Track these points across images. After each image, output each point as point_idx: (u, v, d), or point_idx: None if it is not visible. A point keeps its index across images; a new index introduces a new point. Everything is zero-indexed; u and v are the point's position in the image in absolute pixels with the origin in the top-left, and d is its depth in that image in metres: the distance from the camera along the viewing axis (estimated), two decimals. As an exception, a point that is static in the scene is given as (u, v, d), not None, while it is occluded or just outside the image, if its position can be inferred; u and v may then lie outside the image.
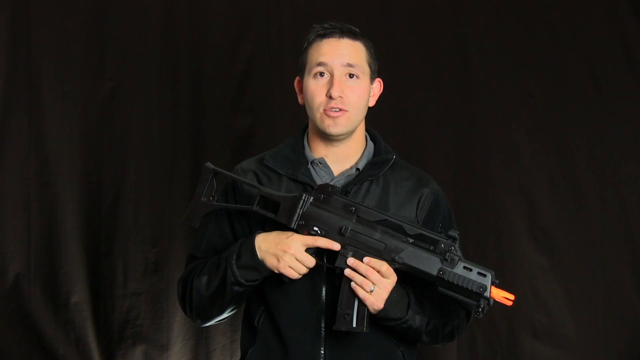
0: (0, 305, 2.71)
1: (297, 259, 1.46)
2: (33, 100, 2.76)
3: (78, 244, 2.79)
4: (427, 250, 1.42)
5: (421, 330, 1.53)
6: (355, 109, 1.57)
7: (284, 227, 1.51)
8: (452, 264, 1.38)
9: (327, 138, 1.60)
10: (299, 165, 1.60)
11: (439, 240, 1.42)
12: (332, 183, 1.59)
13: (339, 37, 1.58)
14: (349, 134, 1.60)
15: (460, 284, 1.37)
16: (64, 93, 2.79)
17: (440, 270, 1.38)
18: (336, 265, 1.47)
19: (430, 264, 1.40)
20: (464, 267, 1.37)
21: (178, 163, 2.89)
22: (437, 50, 2.94)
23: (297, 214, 1.49)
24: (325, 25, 1.60)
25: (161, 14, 2.89)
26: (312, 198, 1.49)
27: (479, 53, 2.92)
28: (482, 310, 1.36)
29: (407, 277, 1.50)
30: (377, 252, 1.44)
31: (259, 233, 1.53)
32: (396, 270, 1.45)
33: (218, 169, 1.59)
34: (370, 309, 1.46)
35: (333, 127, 1.56)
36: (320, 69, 1.57)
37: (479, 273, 1.36)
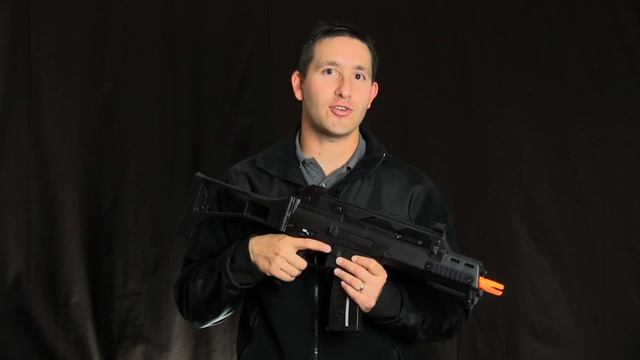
0: (0, 305, 2.71)
1: (288, 262, 1.47)
2: (33, 100, 2.76)
3: (78, 244, 2.79)
4: (415, 244, 1.42)
5: (417, 329, 1.53)
6: (359, 110, 1.58)
7: (275, 231, 1.51)
8: (440, 256, 1.38)
9: (323, 135, 1.60)
10: (290, 166, 1.60)
11: (425, 234, 1.43)
12: (323, 182, 1.59)
13: (350, 37, 1.59)
14: (351, 132, 1.60)
15: (448, 276, 1.37)
16: (64, 93, 2.79)
17: (427, 263, 1.39)
18: (326, 265, 1.48)
19: (417, 258, 1.40)
20: (452, 260, 1.38)
21: (178, 163, 2.89)
22: (437, 50, 2.94)
23: (285, 217, 1.50)
24: (335, 23, 1.60)
25: (161, 14, 2.89)
26: (299, 200, 1.50)
27: (479, 53, 2.92)
28: (472, 301, 1.36)
29: (401, 276, 1.51)
30: (366, 250, 1.45)
31: (253, 236, 1.53)
32: (387, 268, 1.45)
33: (209, 178, 1.60)
34: (362, 307, 1.46)
35: (338, 126, 1.56)
36: (329, 67, 1.57)
37: (466, 264, 1.37)
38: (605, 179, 2.84)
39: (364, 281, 1.44)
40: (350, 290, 1.44)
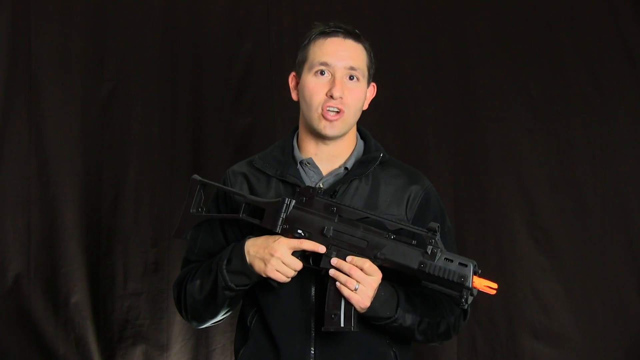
0: (0, 305, 2.71)
1: (283, 263, 1.47)
2: (33, 100, 2.76)
3: (78, 244, 2.79)
4: (408, 244, 1.42)
5: (413, 329, 1.53)
6: (352, 111, 1.58)
7: (271, 232, 1.51)
8: (433, 256, 1.38)
9: (318, 137, 1.60)
10: (288, 166, 1.60)
11: (420, 234, 1.42)
12: (321, 183, 1.59)
13: (343, 38, 1.58)
14: (344, 134, 1.60)
15: (441, 276, 1.37)
16: (64, 93, 2.80)
17: (421, 263, 1.39)
18: (321, 266, 1.48)
19: (411, 258, 1.40)
20: (445, 259, 1.38)
21: (178, 163, 2.89)
22: (437, 50, 2.94)
23: (280, 219, 1.50)
24: (330, 24, 1.60)
25: (161, 14, 2.89)
26: (294, 201, 1.50)
27: (479, 53, 2.92)
28: (466, 300, 1.36)
29: (397, 276, 1.51)
30: (360, 250, 1.45)
31: (249, 238, 1.53)
32: (383, 268, 1.45)
33: (205, 180, 1.60)
34: (357, 307, 1.46)
35: (329, 128, 1.56)
36: (322, 68, 1.56)
37: (460, 264, 1.37)
38: (605, 179, 2.84)
39: (359, 281, 1.44)
40: (345, 291, 1.44)
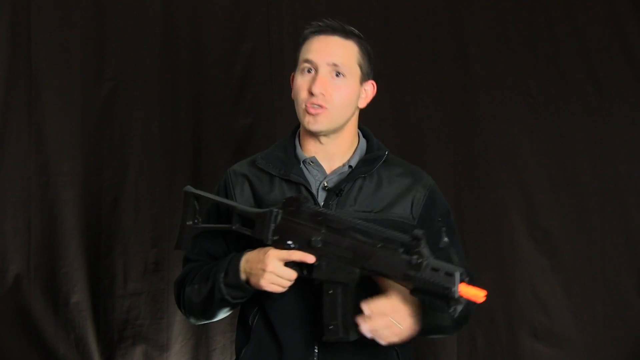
0: (0, 305, 2.71)
1: (277, 275, 1.46)
2: (33, 100, 2.76)
3: (78, 244, 2.79)
4: (395, 253, 1.38)
5: (448, 324, 1.53)
6: (337, 108, 1.56)
7: (263, 242, 1.51)
8: (419, 266, 1.34)
9: (315, 136, 1.60)
10: (291, 165, 1.60)
11: (405, 242, 1.38)
12: (325, 181, 1.59)
13: (330, 35, 1.58)
14: (333, 131, 1.59)
15: (427, 288, 1.33)
16: (64, 93, 2.79)
17: (406, 275, 1.35)
18: (314, 277, 1.46)
19: (397, 269, 1.36)
20: (432, 269, 1.33)
21: (178, 163, 2.89)
22: (437, 50, 2.94)
23: (269, 230, 1.49)
24: (320, 23, 1.60)
25: (161, 14, 2.89)
26: (281, 212, 1.49)
27: (479, 53, 2.92)
28: (455, 309, 1.34)
29: None
30: (347, 261, 1.42)
31: (246, 252, 1.53)
32: (367, 277, 1.44)
33: (197, 192, 1.60)
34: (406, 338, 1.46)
35: (313, 124, 1.56)
36: (307, 65, 1.57)
37: (446, 273, 1.32)
38: (605, 179, 2.84)
39: (387, 327, 1.43)
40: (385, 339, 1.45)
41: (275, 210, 1.49)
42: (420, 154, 2.88)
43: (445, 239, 1.60)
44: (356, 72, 1.59)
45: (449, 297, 1.30)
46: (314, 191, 1.58)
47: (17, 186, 2.73)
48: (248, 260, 1.51)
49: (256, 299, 1.59)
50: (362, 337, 1.51)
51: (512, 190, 2.88)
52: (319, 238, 1.45)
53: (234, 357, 1.68)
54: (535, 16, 2.90)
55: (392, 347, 1.58)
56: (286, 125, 2.81)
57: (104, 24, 2.84)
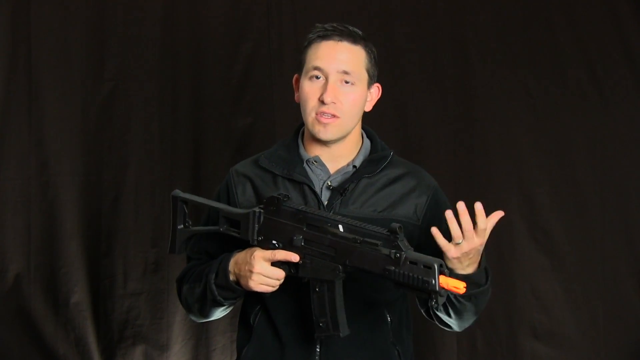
0: (0, 305, 2.71)
1: (265, 276, 1.46)
2: (33, 100, 2.76)
3: (78, 244, 2.79)
4: (375, 248, 1.37)
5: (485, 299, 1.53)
6: (347, 116, 1.56)
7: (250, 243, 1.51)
8: (397, 261, 1.33)
9: (319, 140, 1.59)
10: (295, 165, 1.60)
11: (383, 237, 1.37)
12: (329, 181, 1.59)
13: (338, 40, 1.55)
14: (342, 138, 1.59)
15: (406, 281, 1.33)
16: (64, 93, 2.79)
17: (386, 270, 1.34)
18: (300, 275, 1.46)
19: (377, 264, 1.36)
20: (410, 262, 1.33)
21: (178, 163, 2.89)
22: (437, 50, 2.94)
23: (254, 231, 1.49)
24: (327, 26, 1.57)
25: (161, 14, 2.89)
26: (262, 212, 1.49)
27: (479, 53, 2.92)
28: (436, 301, 1.33)
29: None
30: (330, 258, 1.42)
31: (236, 253, 1.53)
32: (349, 274, 1.43)
33: (184, 196, 1.61)
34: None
35: (324, 133, 1.55)
36: (315, 72, 1.55)
37: (424, 266, 1.31)
38: (605, 179, 2.84)
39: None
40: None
41: (257, 210, 1.49)
42: (420, 154, 2.88)
43: None
44: (364, 78, 1.58)
45: (429, 290, 1.30)
46: (318, 190, 1.58)
47: (17, 186, 2.73)
48: (237, 262, 1.51)
49: (258, 298, 1.59)
50: (364, 334, 1.51)
51: (512, 190, 2.88)
52: (301, 236, 1.45)
53: (234, 357, 1.68)
54: (535, 16, 2.90)
55: (393, 346, 1.59)
56: (286, 125, 2.81)
57: (104, 24, 2.84)
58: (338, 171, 1.61)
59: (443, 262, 1.31)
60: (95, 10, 2.83)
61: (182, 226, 1.61)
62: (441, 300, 1.32)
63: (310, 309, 1.50)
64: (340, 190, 1.56)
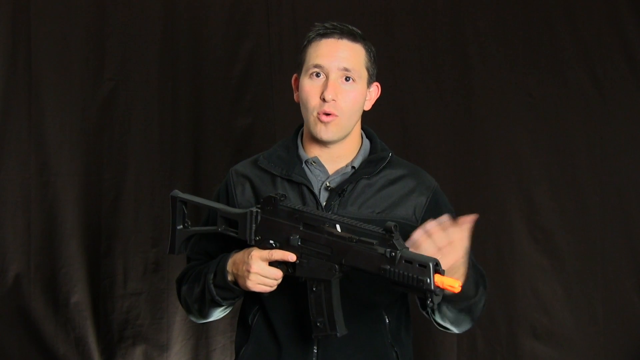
0: (0, 305, 2.71)
1: (262, 276, 1.45)
2: (33, 100, 2.76)
3: (78, 244, 2.79)
4: (370, 247, 1.37)
5: (479, 308, 1.51)
6: (347, 114, 1.55)
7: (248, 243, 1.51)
8: (393, 260, 1.33)
9: (319, 141, 1.59)
10: (293, 165, 1.59)
11: (379, 236, 1.36)
12: (327, 181, 1.59)
13: (338, 38, 1.55)
14: (342, 137, 1.58)
15: (402, 280, 1.32)
16: (64, 93, 2.79)
17: (381, 269, 1.34)
18: (297, 274, 1.46)
19: (372, 263, 1.35)
20: (405, 261, 1.32)
21: (178, 163, 2.89)
22: (437, 50, 2.94)
23: (251, 231, 1.49)
24: (327, 25, 1.57)
25: (161, 14, 2.89)
26: (259, 212, 1.49)
27: (479, 53, 2.92)
28: (431, 300, 1.32)
29: None
30: (326, 257, 1.42)
31: (234, 253, 1.53)
32: (346, 273, 1.43)
33: (183, 196, 1.60)
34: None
35: (325, 132, 1.55)
36: (316, 70, 1.55)
37: (419, 265, 1.30)
38: (605, 179, 2.84)
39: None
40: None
41: (254, 210, 1.49)
42: (420, 154, 2.88)
43: None
44: (364, 76, 1.58)
45: (424, 289, 1.29)
46: (316, 191, 1.57)
47: (17, 186, 2.74)
48: (235, 262, 1.51)
49: (257, 299, 1.59)
50: (362, 335, 1.51)
51: (512, 190, 2.88)
52: (297, 236, 1.45)
53: (234, 357, 1.68)
54: (535, 16, 2.90)
55: (391, 347, 1.58)
56: (286, 125, 2.82)
57: (104, 24, 2.84)
58: (337, 172, 1.60)
59: (438, 261, 1.30)
60: (95, 10, 2.83)
61: (181, 226, 1.61)
62: (437, 299, 1.30)
63: (308, 309, 1.50)
64: (338, 191, 1.56)
